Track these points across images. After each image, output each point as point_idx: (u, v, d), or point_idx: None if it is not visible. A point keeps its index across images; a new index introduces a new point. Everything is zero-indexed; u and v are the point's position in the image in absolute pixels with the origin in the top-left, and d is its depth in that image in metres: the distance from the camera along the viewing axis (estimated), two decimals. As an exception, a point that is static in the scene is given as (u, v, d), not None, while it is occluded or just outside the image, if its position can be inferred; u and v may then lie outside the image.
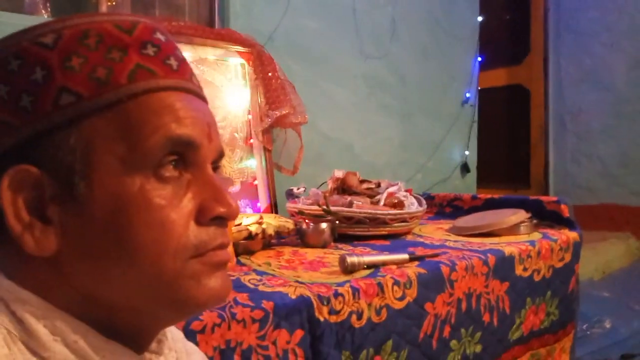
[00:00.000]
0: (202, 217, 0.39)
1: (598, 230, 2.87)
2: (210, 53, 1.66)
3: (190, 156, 0.39)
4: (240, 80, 1.72)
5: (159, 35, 0.41)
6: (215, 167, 0.44)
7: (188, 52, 1.61)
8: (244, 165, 1.68)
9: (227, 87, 1.68)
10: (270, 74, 1.74)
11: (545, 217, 1.47)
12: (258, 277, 1.01)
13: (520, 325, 1.25)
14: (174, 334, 0.55)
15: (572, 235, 1.38)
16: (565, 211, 1.44)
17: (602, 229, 2.87)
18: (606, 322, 1.94)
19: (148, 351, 0.43)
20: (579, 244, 1.39)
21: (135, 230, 0.36)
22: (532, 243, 1.28)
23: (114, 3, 1.69)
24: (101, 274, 0.37)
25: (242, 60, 1.72)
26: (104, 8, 1.52)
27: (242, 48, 1.71)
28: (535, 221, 1.42)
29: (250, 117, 1.70)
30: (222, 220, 0.40)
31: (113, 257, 0.37)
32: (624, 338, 1.86)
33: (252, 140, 1.69)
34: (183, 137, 0.38)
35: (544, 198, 1.49)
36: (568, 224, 1.43)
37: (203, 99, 0.44)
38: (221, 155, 0.44)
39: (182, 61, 0.43)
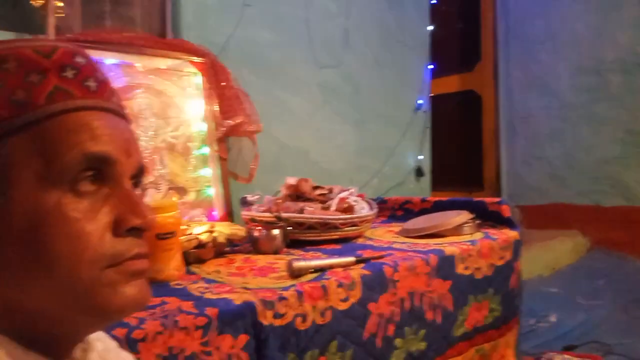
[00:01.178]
0: (118, 228, 0.41)
1: (548, 229, 3.00)
2: (162, 63, 1.67)
3: (108, 171, 0.42)
4: (193, 90, 1.74)
5: (78, 59, 0.44)
6: (137, 182, 0.46)
7: (139, 63, 1.62)
8: (199, 175, 1.70)
9: (180, 96, 1.70)
10: (223, 84, 1.77)
11: (488, 217, 1.54)
12: (205, 285, 1.03)
13: (463, 322, 1.31)
14: (106, 344, 0.57)
15: (512, 234, 1.46)
16: (507, 211, 1.52)
17: (552, 227, 3.00)
18: (552, 317, 2.03)
19: (71, 359, 0.45)
20: (519, 243, 1.46)
21: (52, 242, 0.39)
22: (473, 242, 1.35)
23: (63, 15, 1.68)
24: (20, 284, 0.39)
25: (195, 70, 1.74)
26: (52, 21, 1.51)
27: (195, 58, 1.73)
28: (478, 222, 1.50)
29: (204, 126, 1.71)
30: (138, 232, 0.43)
31: (32, 268, 0.39)
32: (568, 330, 1.96)
33: (206, 150, 1.71)
34: (99, 154, 0.41)
35: (487, 199, 1.57)
36: (509, 223, 1.51)
37: (123, 117, 0.47)
38: (142, 170, 0.46)
39: (102, 82, 0.45)
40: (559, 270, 2.65)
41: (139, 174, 0.46)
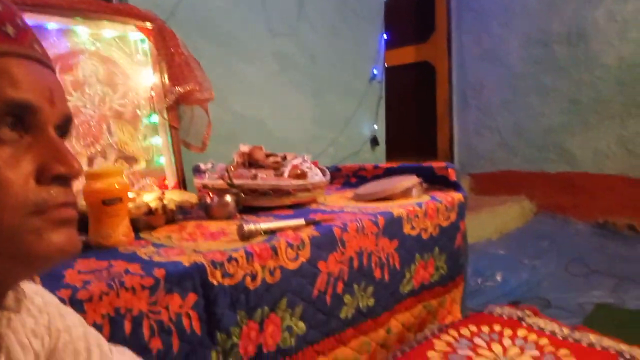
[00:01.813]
0: (42, 176, 0.41)
1: (497, 195, 3.13)
2: (107, 29, 1.62)
3: (30, 119, 0.42)
4: (141, 57, 1.69)
5: None
6: (63, 131, 0.46)
7: (84, 28, 1.56)
8: (149, 144, 1.67)
9: (127, 63, 1.65)
10: (172, 50, 1.73)
11: (435, 181, 1.60)
12: (155, 250, 1.03)
13: (410, 279, 1.37)
14: (46, 299, 0.57)
15: (457, 196, 1.52)
16: (452, 175, 1.58)
17: (501, 193, 3.13)
18: (498, 276, 2.15)
19: (3, 308, 0.45)
20: (463, 204, 1.53)
21: None
22: (420, 204, 1.40)
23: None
24: None
25: (143, 36, 1.69)
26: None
27: (142, 23, 1.68)
28: (425, 185, 1.55)
29: (153, 94, 1.68)
30: (64, 180, 0.43)
31: None
32: (512, 288, 2.08)
33: (156, 118, 1.68)
34: (19, 101, 0.41)
35: (434, 164, 1.62)
36: (455, 186, 1.57)
37: (47, 65, 0.46)
38: (67, 120, 0.46)
39: (23, 29, 0.44)
40: (506, 234, 2.78)
41: (64, 123, 0.46)
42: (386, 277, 1.29)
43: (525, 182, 3.09)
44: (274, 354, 1.02)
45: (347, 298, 1.19)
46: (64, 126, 0.46)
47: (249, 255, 0.99)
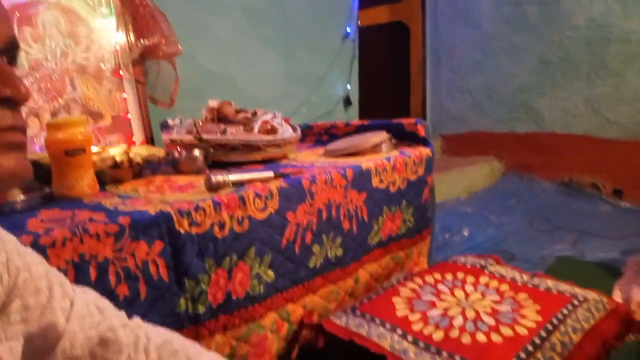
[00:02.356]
0: None
1: (467, 156, 3.19)
2: (66, -23, 1.54)
3: None
4: (104, 9, 1.63)
5: None
6: (10, 56, 0.45)
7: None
8: (115, 99, 1.63)
9: (89, 15, 1.59)
10: (137, 1, 1.66)
11: (405, 137, 1.61)
12: (120, 200, 1.03)
13: (378, 231, 1.40)
14: (3, 237, 0.57)
15: (425, 151, 1.54)
16: (422, 131, 1.59)
17: (472, 154, 3.19)
18: (465, 231, 2.21)
19: None
20: (431, 159, 1.55)
21: None
22: (388, 159, 1.41)
23: None
24: None
25: (105, -13, 1.62)
26: None
27: (104, -27, 1.61)
28: (394, 141, 1.56)
29: (117, 47, 1.63)
30: (10, 103, 0.42)
31: None
32: (479, 243, 2.15)
33: (121, 72, 1.64)
34: None
35: (404, 120, 1.63)
36: (423, 142, 1.58)
37: None
38: (12, 44, 0.44)
39: None
40: (475, 193, 2.85)
41: (9, 48, 0.44)
42: (354, 228, 1.31)
43: (494, 143, 3.15)
44: (242, 300, 1.04)
45: (315, 248, 1.21)
46: (9, 50, 0.44)
47: (216, 205, 1.00)
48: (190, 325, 0.96)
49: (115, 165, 1.20)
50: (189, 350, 0.66)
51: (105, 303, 0.63)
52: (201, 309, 0.97)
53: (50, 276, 0.59)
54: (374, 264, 1.40)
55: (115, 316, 0.62)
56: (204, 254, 0.97)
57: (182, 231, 0.94)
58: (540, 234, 2.30)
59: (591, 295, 1.17)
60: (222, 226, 1.00)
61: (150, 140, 1.67)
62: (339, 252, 1.28)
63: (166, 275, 0.92)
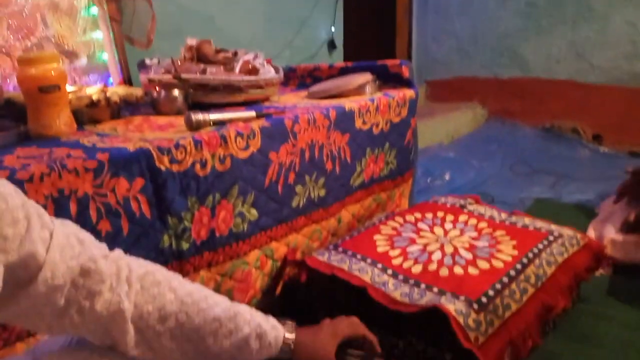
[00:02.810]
0: None
1: (452, 101, 3.18)
2: None
3: None
4: (72, -61, 1.53)
5: None
6: None
7: None
8: (90, 38, 1.57)
9: (56, -54, 1.50)
10: None
11: (389, 79, 1.59)
12: (99, 138, 1.01)
13: (361, 172, 1.41)
14: None
15: (409, 93, 1.53)
16: (406, 72, 1.57)
17: (456, 100, 3.18)
18: (446, 175, 2.24)
19: None
20: (414, 101, 1.54)
21: None
22: (372, 100, 1.40)
23: None
24: None
25: None
26: None
27: None
28: (378, 83, 1.55)
29: (89, -18, 1.55)
30: None
31: None
32: (460, 186, 2.18)
33: (95, 10, 1.56)
34: None
35: (388, 62, 1.60)
36: (407, 83, 1.57)
37: None
38: None
39: None
40: (457, 139, 2.87)
41: None
42: (337, 169, 1.32)
43: (478, 89, 3.14)
44: (226, 238, 1.05)
45: (298, 188, 1.22)
46: None
47: (197, 143, 0.99)
48: (175, 261, 0.97)
49: (92, 103, 1.17)
50: (172, 281, 0.67)
51: (86, 235, 0.63)
52: (185, 246, 0.98)
53: (27, 207, 0.58)
54: (356, 204, 1.42)
55: (95, 247, 0.62)
56: (187, 191, 0.97)
57: (162, 168, 0.93)
58: (519, 178, 2.35)
59: (566, 231, 1.21)
60: (203, 164, 1.00)
61: (128, 81, 1.63)
62: (322, 192, 1.29)
63: (148, 212, 0.92)
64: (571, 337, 1.11)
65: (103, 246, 0.64)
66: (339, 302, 1.09)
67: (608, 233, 1.46)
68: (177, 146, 0.95)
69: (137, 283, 0.64)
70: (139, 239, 0.91)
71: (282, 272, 1.21)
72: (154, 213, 0.93)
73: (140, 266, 0.66)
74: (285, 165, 1.17)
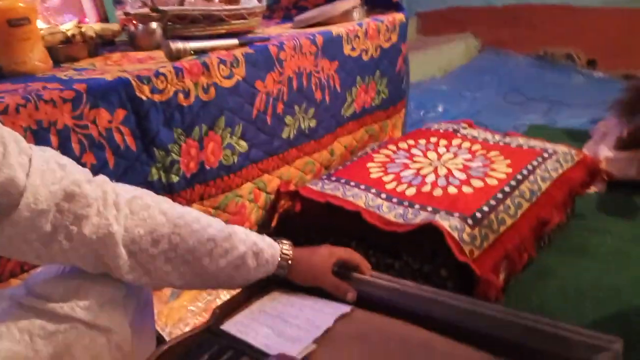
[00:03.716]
0: None
1: (444, 34, 3.08)
2: None
3: None
4: None
5: None
6: None
7: None
8: (59, -26, 1.48)
9: None
10: None
11: (377, 4, 1.52)
12: (76, 72, 0.97)
13: (352, 102, 1.37)
14: None
15: (399, 16, 1.47)
16: (394, -5, 1.51)
17: (448, 32, 3.08)
18: (439, 107, 2.21)
19: None
20: (404, 25, 1.48)
21: None
22: (360, 24, 1.35)
23: None
24: None
25: None
26: None
27: None
28: (366, 7, 1.48)
29: None
30: None
31: None
32: (453, 117, 2.15)
33: (61, -57, 1.47)
34: None
35: (376, -16, 1.53)
36: (396, 7, 1.51)
37: None
38: None
39: None
40: (450, 72, 2.81)
41: None
42: (327, 99, 1.28)
43: (471, 19, 3.03)
44: (216, 170, 1.04)
45: (288, 119, 1.19)
46: None
47: (178, 71, 0.95)
48: (166, 194, 0.95)
49: (67, 40, 1.12)
50: (162, 204, 0.66)
51: (67, 160, 0.61)
52: (175, 179, 0.96)
53: (2, 133, 0.56)
54: (348, 136, 1.40)
55: (78, 172, 0.60)
56: (171, 123, 0.94)
57: (143, 98, 0.89)
58: (513, 106, 2.32)
59: (561, 148, 1.20)
60: (186, 94, 0.96)
61: (104, 20, 1.55)
62: (312, 123, 1.26)
63: (133, 144, 0.89)
64: (565, 250, 1.12)
65: (86, 171, 0.62)
66: (335, 229, 1.09)
67: (602, 152, 1.46)
68: (157, 75, 0.92)
69: (125, 207, 0.62)
70: (125, 172, 0.89)
71: (276, 204, 1.20)
72: (139, 145, 0.90)
73: (127, 191, 0.64)
74: (272, 94, 1.13)
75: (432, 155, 1.22)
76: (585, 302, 0.95)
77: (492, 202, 0.98)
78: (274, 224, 1.21)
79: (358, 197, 1.05)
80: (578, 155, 1.19)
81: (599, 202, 1.34)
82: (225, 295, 0.94)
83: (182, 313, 0.93)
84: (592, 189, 1.35)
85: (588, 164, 1.18)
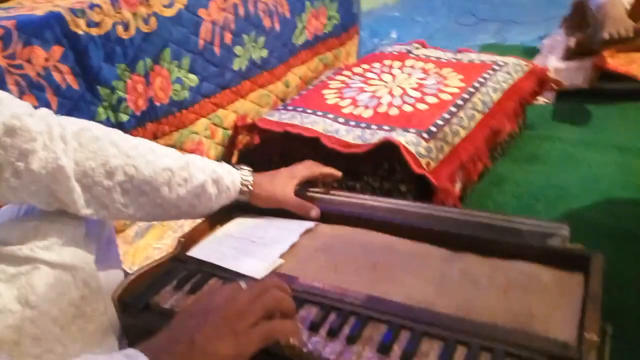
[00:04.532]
0: None
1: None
2: None
3: None
4: None
5: None
6: None
7: None
8: None
9: None
10: None
11: None
12: (3, 12, 0.89)
13: (303, 30, 1.34)
14: None
15: None
16: None
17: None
18: (393, 34, 2.18)
19: None
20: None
21: None
22: (304, -55, 1.29)
23: None
24: None
25: None
26: None
27: None
28: None
29: None
30: None
31: None
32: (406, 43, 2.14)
33: None
34: None
35: None
36: None
37: None
38: None
39: None
40: (403, -1, 2.76)
41: None
42: (277, 26, 1.24)
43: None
44: (167, 106, 1.01)
45: (238, 49, 1.15)
46: None
47: (114, 2, 0.89)
48: (117, 135, 0.93)
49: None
50: (111, 135, 0.63)
51: (3, 93, 0.57)
52: (124, 117, 0.93)
53: None
54: (302, 66, 1.37)
55: (18, 106, 0.57)
56: (113, 58, 0.90)
57: (80, 32, 0.84)
58: (465, 28, 2.32)
59: (511, 60, 1.22)
60: (126, 26, 0.91)
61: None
62: (264, 53, 1.22)
63: (75, 83, 0.85)
64: (518, 158, 1.17)
65: (26, 104, 0.58)
66: (295, 157, 1.08)
67: (550, 63, 1.49)
68: (91, 7, 0.86)
69: (73, 140, 0.59)
70: (71, 113, 0.85)
71: (234, 140, 1.19)
72: (81, 84, 0.86)
73: (73, 123, 0.61)
74: (218, 23, 1.09)
75: (387, 77, 1.21)
76: (538, 202, 1.00)
77: (446, 116, 0.99)
78: (234, 160, 1.19)
79: (316, 124, 1.05)
80: (527, 65, 1.21)
81: (548, 111, 1.38)
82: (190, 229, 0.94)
83: (148, 251, 0.93)
84: (542, 100, 1.39)
85: (537, 74, 1.21)
